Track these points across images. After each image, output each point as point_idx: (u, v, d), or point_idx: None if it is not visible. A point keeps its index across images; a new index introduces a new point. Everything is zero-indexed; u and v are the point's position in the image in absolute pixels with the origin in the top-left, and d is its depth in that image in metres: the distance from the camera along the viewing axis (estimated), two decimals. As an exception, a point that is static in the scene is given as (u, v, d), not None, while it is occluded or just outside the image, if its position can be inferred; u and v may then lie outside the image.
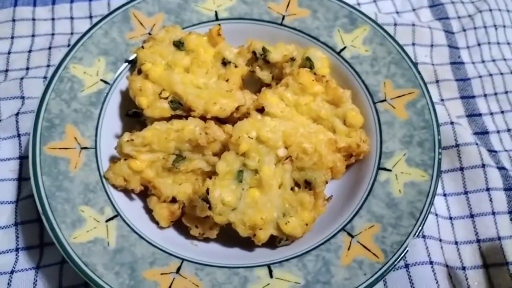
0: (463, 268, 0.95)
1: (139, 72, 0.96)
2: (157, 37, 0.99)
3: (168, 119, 0.92)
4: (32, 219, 0.96)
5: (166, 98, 0.93)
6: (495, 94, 1.16)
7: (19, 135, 1.04)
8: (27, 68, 1.15)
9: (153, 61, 0.96)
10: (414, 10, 1.29)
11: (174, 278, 0.82)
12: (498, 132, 1.11)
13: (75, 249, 0.82)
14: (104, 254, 0.83)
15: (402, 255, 0.82)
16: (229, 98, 0.94)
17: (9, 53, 1.18)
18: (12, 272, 0.91)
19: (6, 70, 1.15)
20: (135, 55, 1.00)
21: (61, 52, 1.17)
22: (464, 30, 1.25)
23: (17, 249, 0.94)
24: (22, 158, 1.02)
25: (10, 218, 0.96)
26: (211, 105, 0.92)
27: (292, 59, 1.02)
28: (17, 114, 1.05)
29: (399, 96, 0.97)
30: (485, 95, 1.16)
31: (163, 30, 1.01)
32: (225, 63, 0.98)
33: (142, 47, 0.98)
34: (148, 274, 0.82)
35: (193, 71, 0.97)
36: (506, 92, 1.16)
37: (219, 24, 1.01)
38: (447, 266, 0.94)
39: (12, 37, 1.20)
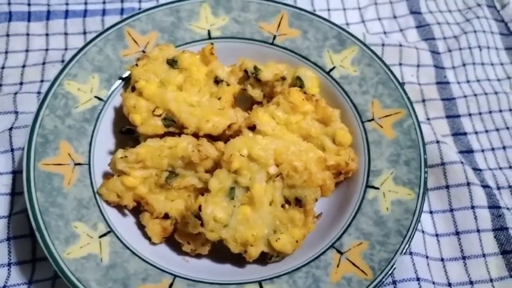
0: (449, 285, 0.97)
1: (133, 89, 0.97)
2: (150, 55, 1.01)
3: (161, 136, 0.94)
4: (24, 234, 0.97)
5: (160, 115, 0.94)
6: (480, 113, 1.19)
7: (12, 150, 1.05)
8: (21, 83, 1.16)
9: (147, 78, 0.98)
10: (401, 30, 1.33)
11: (166, 294, 0.83)
12: (482, 151, 1.14)
13: (68, 265, 0.83)
14: (97, 270, 0.84)
15: (390, 272, 0.84)
16: (222, 116, 0.96)
17: (3, 67, 1.18)
18: (4, 287, 0.92)
19: (0, 85, 1.16)
20: (129, 72, 1.02)
21: (54, 67, 1.18)
22: (450, 51, 1.28)
23: (9, 264, 0.94)
24: (15, 173, 1.03)
25: (3, 232, 0.96)
26: (204, 123, 0.94)
27: (283, 78, 1.04)
28: (10, 129, 1.06)
29: (386, 116, 1.00)
30: (470, 115, 1.19)
31: (157, 48, 1.02)
32: (217, 81, 1.00)
33: (136, 64, 1.00)
34: (141, 290, 0.83)
35: (186, 89, 0.98)
36: (490, 112, 1.19)
37: (211, 43, 1.03)
38: (433, 282, 0.96)
39: (6, 52, 1.21)
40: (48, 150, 0.93)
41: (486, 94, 1.21)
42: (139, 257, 0.87)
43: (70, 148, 0.94)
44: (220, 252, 0.91)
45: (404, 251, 0.86)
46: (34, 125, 0.94)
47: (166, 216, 0.92)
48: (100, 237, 0.88)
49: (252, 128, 0.96)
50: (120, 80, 1.03)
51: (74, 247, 0.85)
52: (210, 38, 1.09)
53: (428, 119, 1.17)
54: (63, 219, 0.87)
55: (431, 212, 1.05)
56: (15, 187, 1.02)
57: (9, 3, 1.26)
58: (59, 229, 0.86)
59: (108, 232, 0.89)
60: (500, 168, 1.12)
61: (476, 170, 1.10)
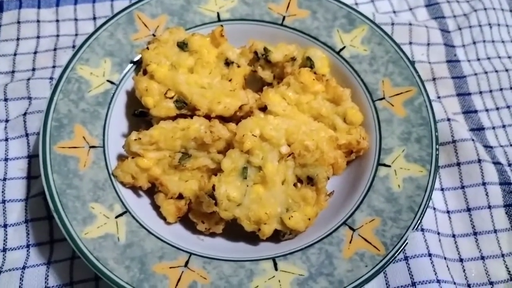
0: (461, 260, 0.98)
1: (145, 72, 0.98)
2: (161, 39, 1.02)
3: (174, 118, 0.95)
4: (42, 216, 0.99)
5: (172, 97, 0.95)
6: (490, 91, 1.19)
7: (27, 135, 1.07)
8: (33, 69, 1.18)
9: (158, 62, 0.98)
10: (410, 9, 1.32)
11: (182, 272, 0.85)
12: (493, 128, 1.14)
13: (86, 245, 0.85)
14: (115, 249, 0.86)
15: (402, 247, 0.85)
16: (233, 97, 0.96)
17: (15, 54, 1.20)
18: (24, 267, 0.94)
19: (13, 71, 1.17)
20: (140, 56, 1.03)
21: (66, 53, 1.19)
22: (460, 29, 1.28)
23: (28, 246, 0.97)
24: (31, 157, 1.05)
25: (21, 215, 0.99)
26: (215, 104, 0.95)
27: (293, 59, 1.04)
28: (24, 114, 1.08)
29: (397, 94, 1.00)
30: (480, 92, 1.19)
31: (167, 31, 1.03)
32: (228, 63, 1.01)
33: (147, 48, 1.00)
34: (158, 268, 0.85)
35: (197, 71, 0.99)
36: (501, 89, 1.19)
37: (221, 25, 1.03)
38: (445, 258, 0.97)
39: (18, 39, 1.22)
40: (63, 134, 0.94)
41: (496, 71, 1.21)
42: (155, 236, 0.89)
43: (85, 131, 0.96)
44: (234, 231, 0.92)
45: (416, 226, 0.87)
46: (49, 110, 0.96)
47: (180, 196, 0.94)
48: (117, 217, 0.89)
49: (263, 109, 0.97)
50: (132, 64, 1.04)
51: (92, 227, 0.87)
52: (219, 20, 1.09)
53: (439, 97, 1.17)
54: (80, 201, 0.89)
55: (442, 190, 1.05)
56: (31, 171, 1.04)
57: (19, -10, 1.27)
58: (76, 210, 0.88)
59: (124, 212, 0.90)
60: (511, 145, 1.12)
61: (487, 147, 1.10)
